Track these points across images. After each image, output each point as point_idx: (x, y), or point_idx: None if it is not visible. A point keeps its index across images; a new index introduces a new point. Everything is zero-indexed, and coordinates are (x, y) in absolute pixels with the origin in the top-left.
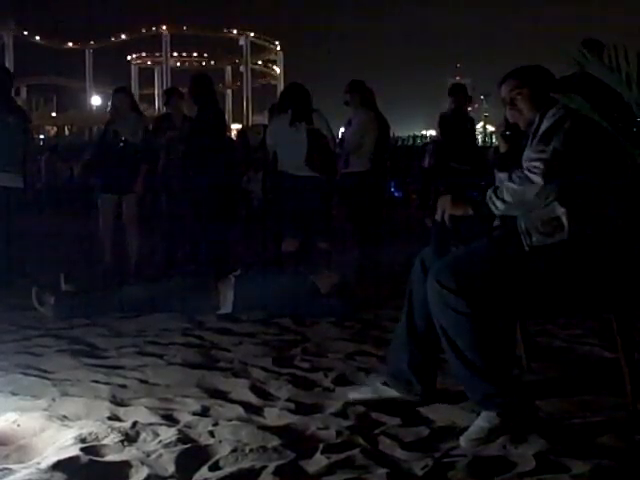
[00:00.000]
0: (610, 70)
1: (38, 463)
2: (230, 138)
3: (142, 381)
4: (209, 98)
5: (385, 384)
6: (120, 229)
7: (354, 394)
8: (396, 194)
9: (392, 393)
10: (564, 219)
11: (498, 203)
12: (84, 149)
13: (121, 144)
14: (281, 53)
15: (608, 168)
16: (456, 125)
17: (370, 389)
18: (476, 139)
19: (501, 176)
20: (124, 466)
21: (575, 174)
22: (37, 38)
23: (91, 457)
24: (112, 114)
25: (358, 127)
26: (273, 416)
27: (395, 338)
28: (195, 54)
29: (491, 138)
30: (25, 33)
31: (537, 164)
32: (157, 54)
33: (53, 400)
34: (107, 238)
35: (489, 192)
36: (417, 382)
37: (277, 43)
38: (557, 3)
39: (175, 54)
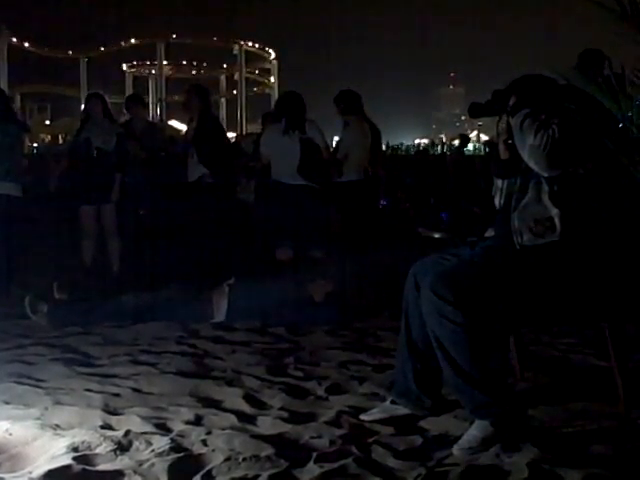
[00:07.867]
0: (594, 86)
1: (30, 472)
2: (235, 143)
3: (135, 390)
4: (204, 109)
5: (393, 402)
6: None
7: (365, 416)
8: (383, 202)
9: (402, 411)
10: (557, 220)
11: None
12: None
13: (94, 152)
14: (275, 62)
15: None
16: None
17: (380, 409)
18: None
19: (499, 183)
20: (117, 475)
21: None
22: (31, 46)
23: (83, 466)
24: (82, 120)
25: (347, 137)
26: (266, 425)
27: (398, 357)
28: (187, 62)
29: (484, 147)
30: (19, 41)
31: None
32: (151, 63)
33: (46, 409)
34: (89, 248)
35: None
36: (427, 398)
37: (271, 52)
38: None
39: (170, 63)
